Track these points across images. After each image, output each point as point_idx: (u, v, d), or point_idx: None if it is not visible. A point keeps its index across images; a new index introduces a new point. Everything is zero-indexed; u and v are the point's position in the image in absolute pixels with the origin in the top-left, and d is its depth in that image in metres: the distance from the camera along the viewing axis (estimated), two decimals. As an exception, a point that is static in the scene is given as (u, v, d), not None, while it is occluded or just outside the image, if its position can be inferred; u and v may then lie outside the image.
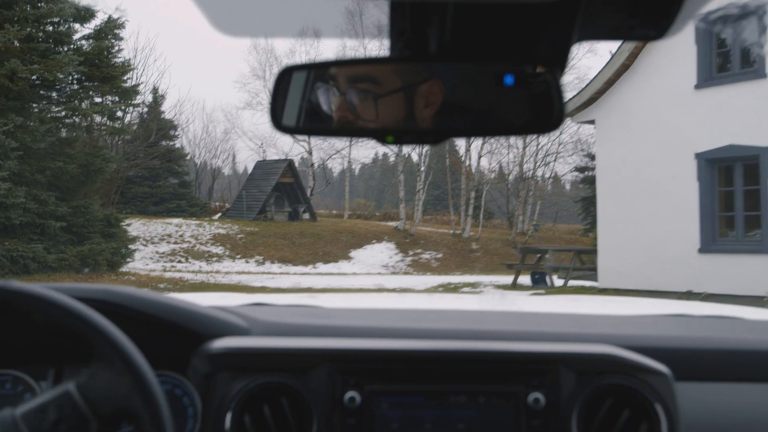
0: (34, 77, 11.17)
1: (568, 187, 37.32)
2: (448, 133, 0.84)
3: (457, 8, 0.69)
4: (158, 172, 27.20)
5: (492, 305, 2.03)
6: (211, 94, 78.78)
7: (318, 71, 0.84)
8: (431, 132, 0.82)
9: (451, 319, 1.55)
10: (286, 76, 0.84)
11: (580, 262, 15.46)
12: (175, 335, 1.15)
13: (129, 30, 30.67)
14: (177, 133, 29.67)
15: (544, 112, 0.78)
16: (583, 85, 12.82)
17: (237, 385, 1.05)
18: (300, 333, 1.22)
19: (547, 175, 31.42)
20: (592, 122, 13.11)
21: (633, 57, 11.79)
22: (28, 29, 10.75)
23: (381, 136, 0.83)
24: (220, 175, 37.85)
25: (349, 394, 1.06)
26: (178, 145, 29.90)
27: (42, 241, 11.43)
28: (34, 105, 11.49)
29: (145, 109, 27.65)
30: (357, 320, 1.35)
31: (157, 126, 25.83)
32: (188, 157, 31.74)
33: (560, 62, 0.75)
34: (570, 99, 13.01)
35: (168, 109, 29.50)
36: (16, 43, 10.82)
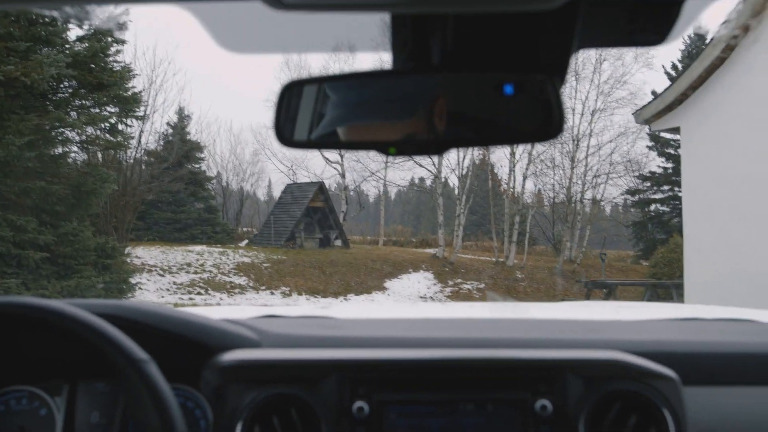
0: (14, 82, 9.40)
1: (608, 210, 35.02)
2: (451, 144, 0.83)
3: (458, 19, 0.70)
4: (182, 197, 25.70)
5: (503, 313, 1.94)
6: (239, 114, 77.76)
7: (322, 85, 0.83)
8: (433, 142, 0.81)
9: (462, 327, 1.51)
10: (289, 91, 0.84)
11: (656, 298, 13.36)
12: (187, 348, 1.15)
13: (146, 43, 29.29)
14: (203, 155, 28.20)
15: (544, 120, 0.77)
16: (640, 100, 10.53)
17: (247, 396, 1.07)
18: (310, 344, 1.22)
19: (598, 198, 29.01)
20: (675, 130, 10.78)
21: (730, 49, 9.49)
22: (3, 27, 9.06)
23: (384, 147, 0.83)
24: (249, 200, 36.38)
25: (358, 404, 1.07)
26: (203, 168, 28.40)
27: (19, 274, 9.69)
28: (15, 114, 9.72)
29: (170, 130, 26.34)
30: (367, 330, 1.33)
31: (178, 146, 24.28)
32: (214, 181, 30.29)
33: (560, 71, 0.75)
34: (650, 102, 10.84)
35: (190, 127, 27.89)
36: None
